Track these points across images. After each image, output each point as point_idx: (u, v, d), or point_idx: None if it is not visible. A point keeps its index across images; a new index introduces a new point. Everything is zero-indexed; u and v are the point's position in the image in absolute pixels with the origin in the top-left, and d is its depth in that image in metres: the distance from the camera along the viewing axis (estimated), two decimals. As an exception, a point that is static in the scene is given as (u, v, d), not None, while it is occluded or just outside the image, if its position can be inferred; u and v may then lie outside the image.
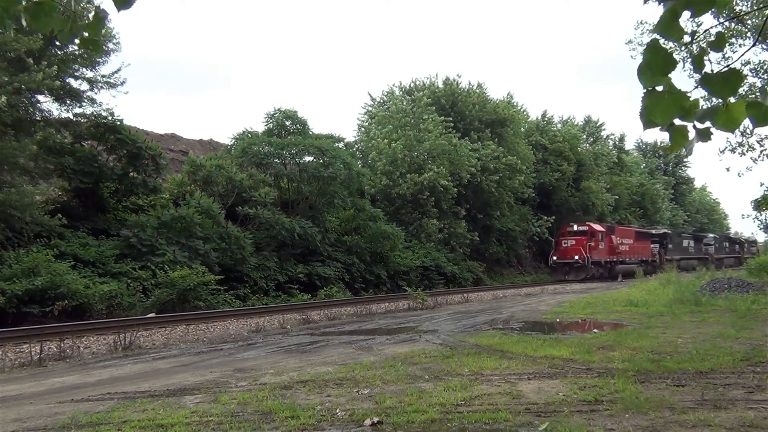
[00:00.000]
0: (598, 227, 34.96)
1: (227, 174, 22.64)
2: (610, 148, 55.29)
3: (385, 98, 37.15)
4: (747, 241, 69.75)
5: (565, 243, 33.99)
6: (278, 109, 28.32)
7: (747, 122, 2.21)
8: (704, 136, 2.14)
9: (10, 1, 2.45)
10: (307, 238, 22.49)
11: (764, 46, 16.21)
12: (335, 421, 4.86)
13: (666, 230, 46.86)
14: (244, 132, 27.96)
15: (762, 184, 26.84)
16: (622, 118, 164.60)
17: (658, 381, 6.22)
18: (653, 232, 45.20)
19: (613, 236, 36.08)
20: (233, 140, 27.93)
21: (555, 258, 33.99)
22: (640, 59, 2.13)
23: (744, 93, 16.55)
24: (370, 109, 37.05)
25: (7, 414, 5.46)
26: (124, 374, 7.58)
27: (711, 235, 57.77)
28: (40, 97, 18.11)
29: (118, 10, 2.49)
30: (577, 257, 32.80)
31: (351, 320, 14.46)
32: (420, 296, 17.11)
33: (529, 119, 46.39)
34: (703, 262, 48.77)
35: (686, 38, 2.29)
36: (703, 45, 2.14)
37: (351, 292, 22.33)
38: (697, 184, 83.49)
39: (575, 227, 34.43)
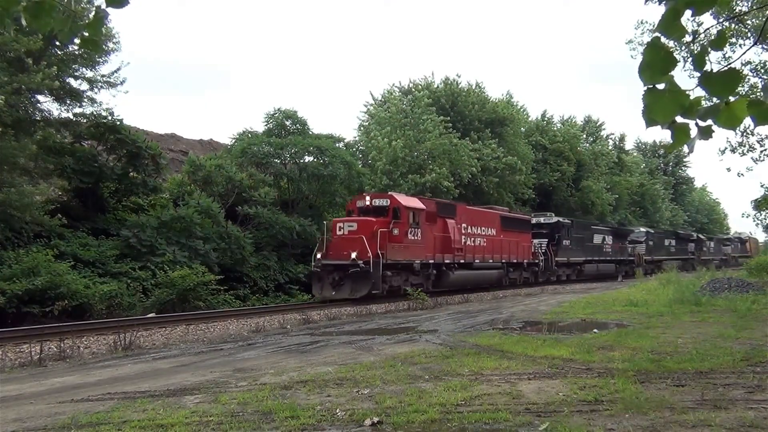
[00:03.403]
0: (411, 202, 20.16)
1: (227, 174, 22.65)
2: (610, 148, 55.27)
3: (385, 98, 37.14)
4: (718, 240, 60.40)
5: (341, 229, 18.75)
6: (278, 109, 28.32)
7: (747, 122, 2.21)
8: (706, 133, 2.14)
9: (10, 1, 2.45)
10: (307, 237, 22.49)
11: (764, 46, 16.21)
12: (335, 421, 4.85)
13: (561, 219, 32.22)
14: (244, 132, 27.98)
15: (762, 185, 26.82)
16: (622, 118, 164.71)
17: (658, 381, 6.22)
18: (541, 221, 31.33)
19: (450, 220, 21.72)
20: (233, 140, 27.94)
21: (319, 257, 18.45)
22: (640, 59, 2.13)
23: (745, 93, 16.55)
24: (371, 108, 37.05)
25: (7, 414, 5.45)
26: (124, 374, 7.57)
27: (642, 229, 44.42)
28: (40, 97, 18.13)
29: (106, 6, 2.49)
30: (354, 255, 17.51)
31: (351, 320, 14.45)
32: (420, 296, 17.10)
33: (529, 119, 46.41)
34: (627, 265, 39.04)
35: (687, 37, 2.29)
36: (704, 44, 2.14)
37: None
38: (697, 184, 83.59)
39: (367, 200, 19.67)
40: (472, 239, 23.39)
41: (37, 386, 6.91)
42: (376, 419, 4.80)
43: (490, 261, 24.33)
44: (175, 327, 12.53)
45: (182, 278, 16.11)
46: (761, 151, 21.56)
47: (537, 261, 28.91)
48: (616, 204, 49.17)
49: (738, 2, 16.92)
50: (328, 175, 24.23)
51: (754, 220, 29.09)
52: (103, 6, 2.56)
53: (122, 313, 15.10)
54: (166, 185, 22.78)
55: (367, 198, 19.83)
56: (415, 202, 20.32)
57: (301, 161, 25.58)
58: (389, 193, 20.90)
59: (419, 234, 19.85)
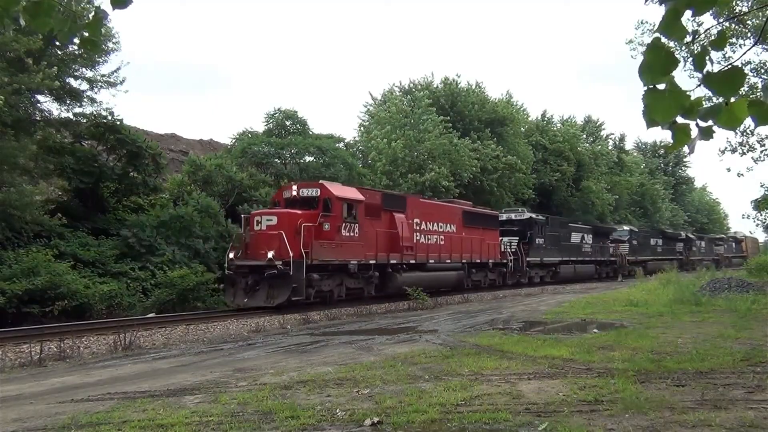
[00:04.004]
0: (346, 192, 17.31)
1: (227, 174, 22.67)
2: (610, 148, 55.28)
3: (386, 97, 37.16)
4: (710, 239, 57.59)
5: (259, 224, 15.69)
6: (278, 109, 28.36)
7: (747, 122, 2.21)
8: (706, 134, 2.14)
9: (9, 1, 2.45)
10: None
11: (765, 46, 16.21)
12: (335, 421, 4.85)
13: (533, 215, 29.35)
14: (244, 132, 28.02)
15: (762, 185, 26.80)
16: (622, 118, 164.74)
17: (658, 381, 6.22)
18: (512, 217, 28.47)
19: (398, 214, 18.95)
20: (233, 140, 27.96)
21: (232, 256, 15.64)
22: (640, 59, 2.13)
23: (745, 93, 16.55)
24: (371, 108, 37.07)
25: (7, 414, 5.45)
26: (124, 374, 7.57)
27: (625, 228, 41.53)
28: (40, 97, 18.13)
29: (113, 8, 2.49)
30: (271, 255, 14.76)
31: (351, 320, 14.45)
32: (420, 296, 17.10)
33: (529, 119, 46.41)
34: (609, 266, 36.83)
35: (688, 38, 2.29)
36: (704, 44, 2.14)
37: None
38: (697, 184, 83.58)
39: (294, 190, 16.67)
40: (427, 236, 20.63)
41: (37, 386, 6.91)
42: (376, 419, 4.80)
43: (448, 261, 21.45)
44: (175, 327, 12.52)
45: (181, 278, 16.11)
46: (761, 151, 21.56)
47: (505, 261, 25.78)
48: (616, 204, 49.15)
49: (738, 2, 16.91)
50: (328, 176, 24.24)
51: (754, 220, 28.93)
52: (105, 6, 2.56)
53: (122, 313, 15.09)
54: (166, 185, 22.79)
55: (294, 188, 16.81)
56: (351, 193, 17.58)
57: (302, 161, 25.59)
58: (320, 182, 17.69)
59: (357, 230, 16.99)
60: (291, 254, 14.76)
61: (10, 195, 15.15)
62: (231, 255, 15.70)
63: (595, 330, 10.85)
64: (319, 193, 16.49)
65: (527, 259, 27.40)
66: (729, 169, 42.58)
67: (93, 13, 2.62)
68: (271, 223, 15.56)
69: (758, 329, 10.23)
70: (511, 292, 24.31)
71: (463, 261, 22.49)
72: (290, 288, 14.85)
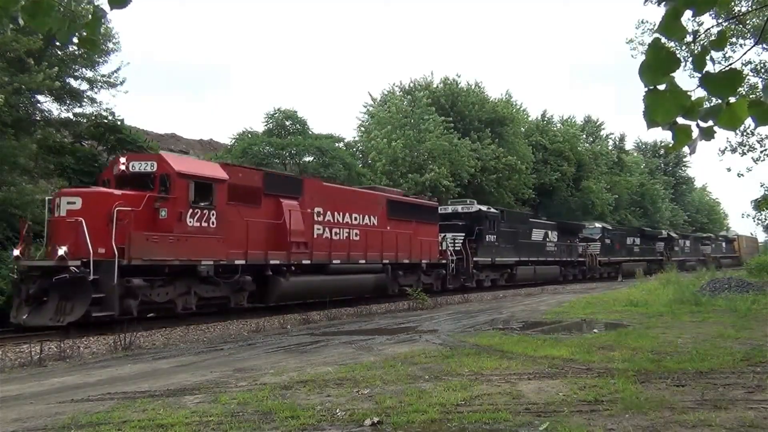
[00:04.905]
0: (195, 167, 13.54)
1: (227, 174, 22.61)
2: (610, 147, 55.32)
3: (386, 98, 37.18)
4: (695, 238, 53.82)
5: (59, 208, 11.62)
6: (278, 109, 28.36)
7: (748, 122, 2.21)
8: (707, 134, 2.14)
9: (8, 1, 2.45)
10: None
11: (765, 46, 16.21)
12: (335, 421, 4.85)
13: (484, 208, 25.60)
14: (244, 132, 28.02)
15: (762, 185, 26.81)
16: (622, 118, 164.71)
17: (658, 381, 6.21)
18: (458, 209, 24.96)
19: (288, 201, 15.30)
20: (233, 140, 27.96)
21: (17, 253, 11.69)
22: (641, 58, 2.13)
23: (745, 93, 16.56)
24: (371, 108, 37.09)
25: (7, 414, 5.45)
26: (124, 374, 7.57)
27: (597, 225, 37.50)
28: (40, 97, 18.14)
29: (111, 8, 2.49)
30: (63, 251, 10.88)
31: (351, 320, 14.45)
32: (420, 296, 17.10)
33: (529, 119, 46.44)
34: (576, 268, 33.69)
35: (688, 38, 2.29)
36: (704, 44, 2.13)
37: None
38: (697, 184, 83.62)
39: (122, 164, 12.98)
40: (332, 230, 16.76)
41: (37, 386, 6.91)
42: (376, 419, 4.80)
43: (362, 262, 17.58)
44: (175, 327, 12.52)
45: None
46: (761, 151, 21.58)
47: (444, 261, 21.85)
48: (616, 204, 49.16)
49: (738, 2, 16.92)
50: (328, 176, 24.25)
51: (754, 220, 28.88)
52: (105, 6, 2.56)
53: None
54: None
55: (123, 161, 12.87)
56: (204, 168, 13.56)
57: (302, 162, 25.60)
58: (161, 152, 14.00)
59: (214, 219, 13.07)
60: (92, 251, 10.84)
61: (10, 194, 15.14)
62: (16, 252, 11.61)
63: (595, 330, 10.85)
64: (155, 168, 12.64)
65: (474, 259, 23.60)
66: (729, 169, 42.60)
67: (92, 12, 2.62)
68: (73, 207, 11.39)
69: (758, 329, 10.23)
70: (512, 292, 24.29)
71: (385, 261, 18.54)
72: (89, 299, 10.85)
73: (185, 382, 6.70)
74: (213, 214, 13.19)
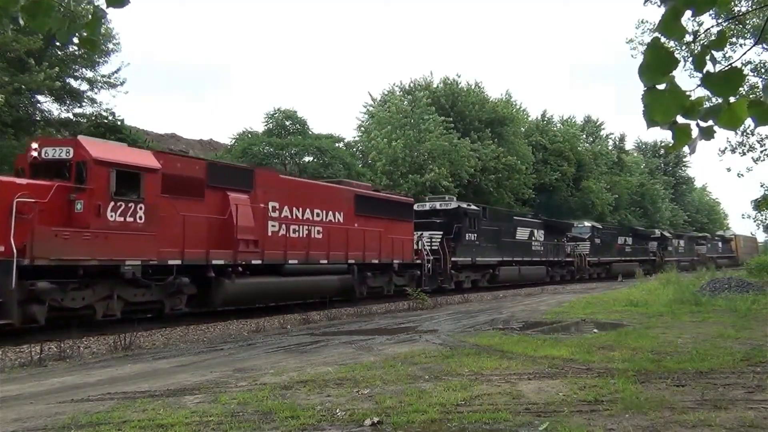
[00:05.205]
0: (118, 154, 11.87)
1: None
2: (610, 147, 55.37)
3: (386, 98, 37.24)
4: (690, 238, 51.67)
5: None
6: (278, 109, 28.42)
7: (748, 122, 2.21)
8: (707, 134, 2.13)
9: (8, 1, 2.45)
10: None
11: (765, 46, 16.22)
12: (335, 421, 4.85)
13: (464, 205, 24.49)
14: (244, 132, 28.08)
15: (762, 185, 26.85)
16: (622, 118, 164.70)
17: (658, 381, 6.21)
18: (437, 206, 23.72)
19: (236, 194, 14.05)
20: (233, 140, 28.00)
21: None
22: (641, 58, 2.13)
23: (745, 93, 16.56)
24: (371, 108, 37.13)
25: (7, 414, 5.45)
26: (124, 374, 7.57)
27: (587, 224, 36.36)
28: (40, 97, 18.17)
29: (107, 7, 2.49)
30: None
31: (351, 320, 14.45)
32: (420, 296, 17.10)
33: (529, 119, 46.52)
34: (564, 268, 32.23)
35: (688, 38, 2.29)
36: (704, 44, 2.13)
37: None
38: (697, 184, 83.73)
39: (34, 150, 11.46)
40: (290, 227, 15.39)
41: (37, 386, 6.91)
42: (376, 419, 4.80)
43: (324, 262, 16.32)
44: (175, 327, 12.52)
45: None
46: (761, 151, 21.62)
47: (420, 261, 20.60)
48: (616, 204, 49.20)
49: (738, 2, 16.93)
50: (328, 176, 24.26)
51: (754, 220, 28.94)
52: (103, 6, 2.56)
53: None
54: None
55: (34, 146, 11.49)
56: (129, 156, 12.02)
57: (302, 161, 25.61)
58: (79, 137, 12.22)
59: (142, 213, 11.74)
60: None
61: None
62: None
63: (595, 330, 10.85)
64: (71, 155, 11.26)
65: (453, 258, 22.42)
66: (729, 169, 42.67)
67: (92, 12, 2.62)
68: None
69: (758, 329, 10.22)
70: (512, 292, 24.28)
71: (351, 261, 17.28)
72: None
73: (185, 382, 6.70)
74: (141, 208, 11.79)
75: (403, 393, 5.76)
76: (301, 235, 15.79)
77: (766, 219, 30.59)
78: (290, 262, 15.24)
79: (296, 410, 5.11)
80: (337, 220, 17.13)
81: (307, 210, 16.14)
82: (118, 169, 11.44)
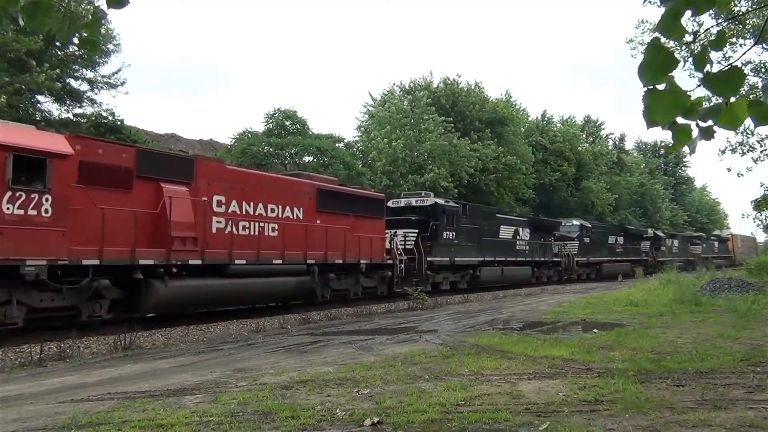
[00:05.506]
0: (15, 137, 10.02)
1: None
2: (610, 147, 55.39)
3: (386, 98, 37.24)
4: (684, 237, 50.64)
5: None
6: (278, 109, 28.42)
7: (748, 122, 2.21)
8: (707, 134, 2.14)
9: (8, 1, 2.45)
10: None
11: (765, 46, 16.22)
12: (335, 421, 4.85)
13: (441, 201, 23.06)
14: (244, 132, 28.08)
15: (762, 185, 26.85)
16: (622, 118, 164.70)
17: (658, 381, 6.21)
18: (412, 203, 22.54)
19: (173, 186, 12.63)
20: (233, 140, 28.01)
21: None
22: (641, 58, 2.13)
23: (745, 93, 16.57)
24: (371, 108, 37.14)
25: (7, 414, 5.45)
26: (124, 374, 7.57)
27: (575, 222, 35.18)
28: (41, 98, 18.17)
29: (108, 7, 2.49)
30: None
31: (351, 320, 14.44)
32: (420, 296, 17.09)
33: (529, 119, 46.54)
34: (551, 268, 30.99)
35: (688, 37, 2.30)
36: (704, 44, 2.14)
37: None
38: (697, 184, 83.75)
39: None
40: (237, 223, 13.99)
41: (37, 386, 6.91)
42: (376, 419, 4.80)
43: (278, 262, 14.85)
44: (175, 327, 12.52)
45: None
46: (761, 151, 21.62)
47: (391, 262, 19.18)
48: (616, 204, 49.20)
49: (737, 2, 16.93)
50: (327, 175, 24.26)
51: (754, 221, 28.96)
52: (103, 6, 2.56)
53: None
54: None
55: None
56: (36, 139, 10.52)
57: (301, 161, 25.60)
58: None
59: (49, 205, 10.25)
60: None
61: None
62: None
63: (595, 330, 10.85)
64: None
65: (429, 258, 20.91)
66: (729, 169, 42.72)
67: (92, 13, 2.62)
68: None
69: (758, 329, 10.22)
70: (512, 292, 24.27)
71: (311, 261, 15.81)
72: None
73: (185, 382, 6.70)
74: (47, 200, 10.22)
75: (403, 393, 5.75)
76: (251, 232, 14.38)
77: (766, 219, 30.58)
78: (236, 262, 13.75)
79: (296, 410, 5.11)
80: (295, 216, 15.74)
81: (260, 205, 14.72)
82: (16, 154, 9.84)
